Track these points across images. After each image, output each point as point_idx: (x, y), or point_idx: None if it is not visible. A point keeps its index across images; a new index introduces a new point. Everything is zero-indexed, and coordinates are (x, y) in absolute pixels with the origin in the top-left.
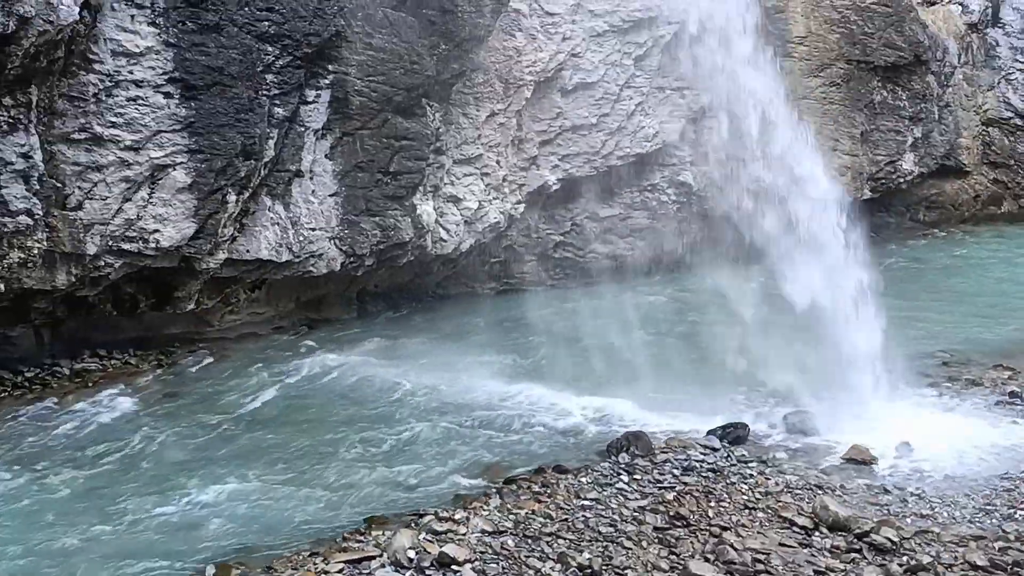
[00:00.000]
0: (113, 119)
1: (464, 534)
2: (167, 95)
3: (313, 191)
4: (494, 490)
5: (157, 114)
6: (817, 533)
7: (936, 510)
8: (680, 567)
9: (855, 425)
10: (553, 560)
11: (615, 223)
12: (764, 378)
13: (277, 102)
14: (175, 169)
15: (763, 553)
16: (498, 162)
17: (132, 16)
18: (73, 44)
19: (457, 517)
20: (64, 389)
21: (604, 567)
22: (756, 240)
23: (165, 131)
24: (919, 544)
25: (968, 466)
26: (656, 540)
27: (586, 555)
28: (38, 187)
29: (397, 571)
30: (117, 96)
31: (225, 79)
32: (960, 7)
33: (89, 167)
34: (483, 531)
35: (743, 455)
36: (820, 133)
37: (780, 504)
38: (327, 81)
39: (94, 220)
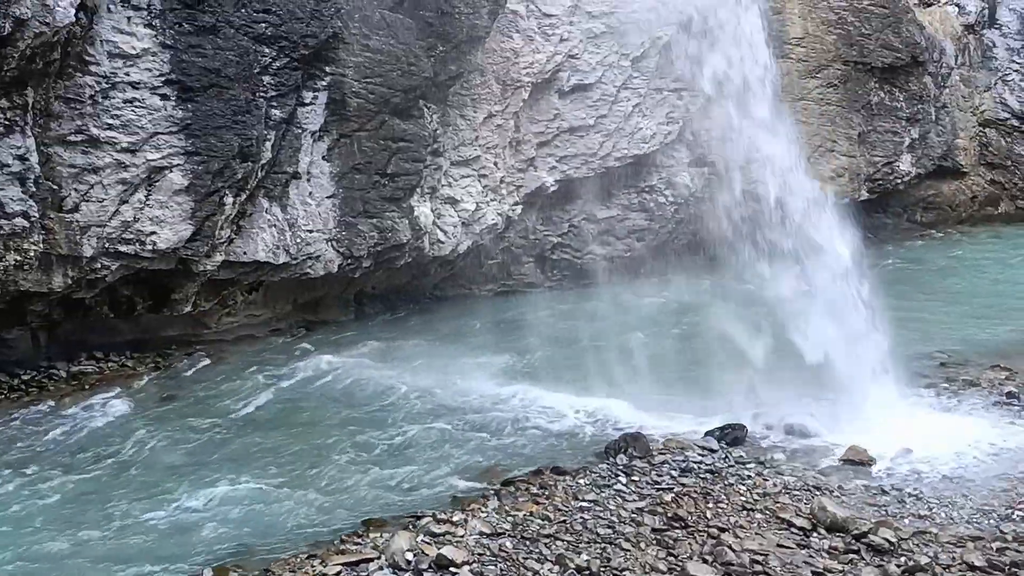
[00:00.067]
0: (109, 121)
1: (462, 536)
2: (164, 97)
3: (310, 193)
4: (492, 492)
5: (154, 116)
6: (815, 534)
7: (934, 511)
8: (678, 568)
9: (853, 426)
10: (551, 562)
11: (613, 224)
12: (762, 379)
13: (274, 104)
14: (172, 171)
15: (761, 554)
16: (495, 164)
17: (128, 18)
18: (69, 46)
19: (455, 519)
20: (61, 392)
21: (602, 568)
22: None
23: (162, 133)
24: (917, 545)
25: (966, 467)
26: (654, 541)
27: (584, 557)
28: (34, 189)
29: (395, 573)
30: (113, 98)
31: (222, 81)
32: (957, 8)
33: (85, 169)
34: (481, 533)
35: (741, 456)
36: (817, 134)
37: (778, 505)
38: (324, 83)
39: (90, 222)
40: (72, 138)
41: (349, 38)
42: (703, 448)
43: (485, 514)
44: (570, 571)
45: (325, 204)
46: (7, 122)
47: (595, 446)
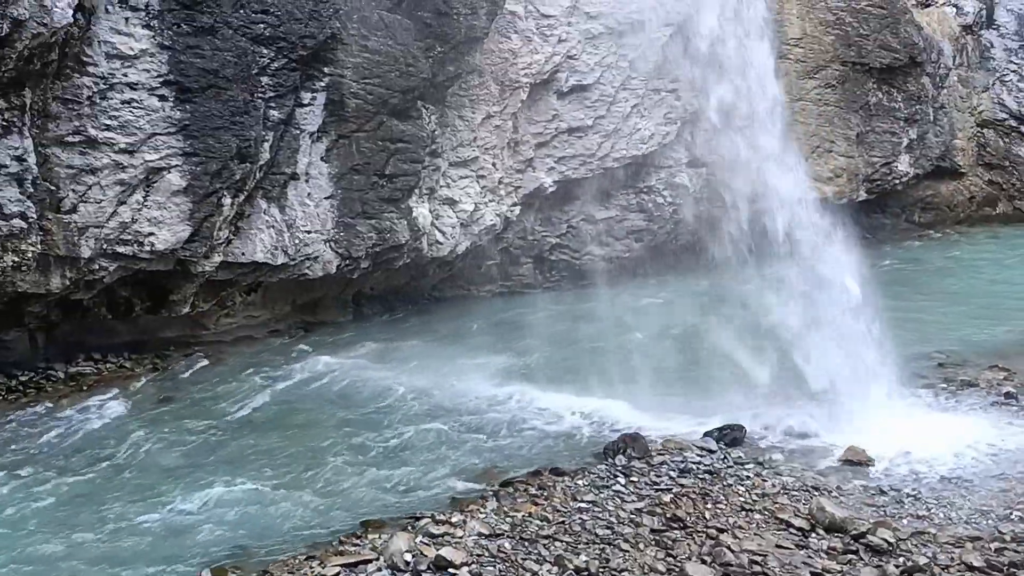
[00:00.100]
0: (107, 122)
1: (461, 537)
2: (162, 98)
3: (309, 194)
4: (490, 493)
5: (152, 117)
6: (814, 534)
7: (932, 511)
8: (677, 569)
9: (851, 426)
10: (550, 563)
11: (611, 225)
12: (760, 380)
13: (272, 105)
14: (170, 172)
15: (760, 555)
16: (494, 164)
17: (126, 19)
18: (67, 47)
19: (454, 520)
20: (59, 393)
21: (601, 569)
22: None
23: (160, 134)
24: (915, 545)
25: (964, 467)
26: (653, 542)
27: (583, 557)
28: (32, 190)
29: (394, 574)
30: (111, 99)
31: (220, 82)
32: (955, 9)
33: (83, 170)
34: (480, 534)
35: (739, 457)
36: (815, 135)
37: (777, 506)
38: (322, 84)
39: (88, 223)
40: (70, 139)
41: (347, 39)
42: (702, 449)
43: (484, 515)
44: (569, 572)
45: (323, 205)
46: (5, 123)
47: (593, 447)
